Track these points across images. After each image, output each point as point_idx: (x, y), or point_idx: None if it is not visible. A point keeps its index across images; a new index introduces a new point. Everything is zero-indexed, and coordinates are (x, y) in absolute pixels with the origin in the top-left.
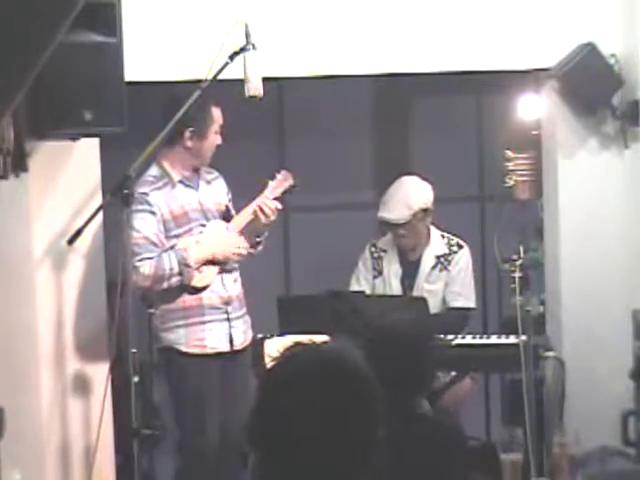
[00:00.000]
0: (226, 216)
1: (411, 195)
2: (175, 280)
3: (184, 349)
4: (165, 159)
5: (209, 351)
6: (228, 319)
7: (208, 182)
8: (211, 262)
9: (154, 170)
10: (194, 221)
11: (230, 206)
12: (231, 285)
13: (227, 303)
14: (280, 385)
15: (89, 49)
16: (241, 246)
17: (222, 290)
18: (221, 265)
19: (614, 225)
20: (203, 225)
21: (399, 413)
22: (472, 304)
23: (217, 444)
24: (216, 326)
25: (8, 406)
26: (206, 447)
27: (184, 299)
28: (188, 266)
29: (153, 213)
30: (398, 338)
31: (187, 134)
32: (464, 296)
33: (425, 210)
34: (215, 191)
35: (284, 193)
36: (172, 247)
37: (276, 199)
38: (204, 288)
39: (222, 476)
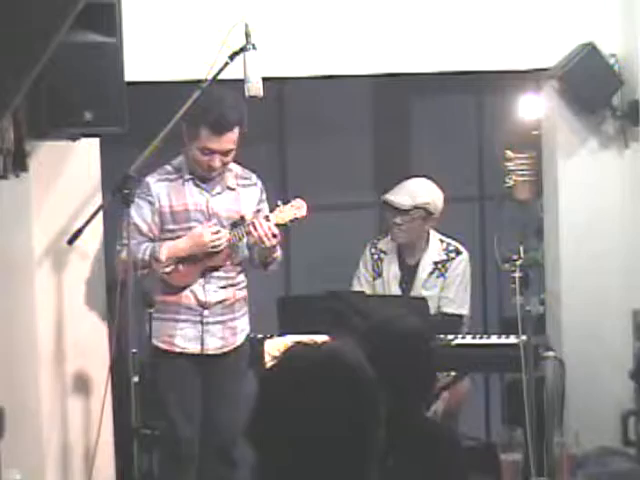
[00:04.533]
0: (239, 224)
1: (418, 189)
2: (144, 271)
3: (155, 342)
4: (185, 154)
5: (177, 350)
6: (202, 322)
7: (231, 189)
8: (192, 259)
9: (177, 161)
10: (194, 221)
11: (251, 216)
12: (214, 290)
13: (204, 307)
14: (281, 384)
15: (89, 49)
16: (220, 236)
17: (201, 293)
18: (204, 261)
19: (614, 225)
20: None
21: (400, 418)
22: (464, 311)
23: (190, 441)
24: (188, 326)
25: (8, 406)
26: (181, 442)
27: (164, 295)
28: (157, 260)
29: (151, 203)
30: (401, 337)
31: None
32: (457, 303)
33: (427, 212)
34: (238, 199)
35: (291, 221)
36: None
37: (280, 225)
38: (184, 288)
39: (204, 476)
